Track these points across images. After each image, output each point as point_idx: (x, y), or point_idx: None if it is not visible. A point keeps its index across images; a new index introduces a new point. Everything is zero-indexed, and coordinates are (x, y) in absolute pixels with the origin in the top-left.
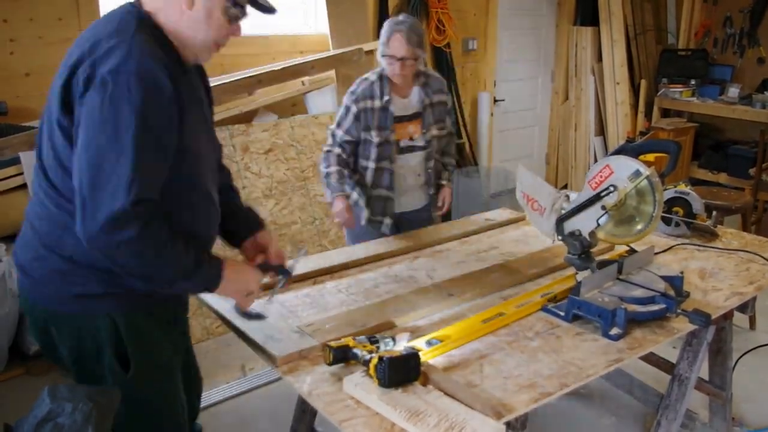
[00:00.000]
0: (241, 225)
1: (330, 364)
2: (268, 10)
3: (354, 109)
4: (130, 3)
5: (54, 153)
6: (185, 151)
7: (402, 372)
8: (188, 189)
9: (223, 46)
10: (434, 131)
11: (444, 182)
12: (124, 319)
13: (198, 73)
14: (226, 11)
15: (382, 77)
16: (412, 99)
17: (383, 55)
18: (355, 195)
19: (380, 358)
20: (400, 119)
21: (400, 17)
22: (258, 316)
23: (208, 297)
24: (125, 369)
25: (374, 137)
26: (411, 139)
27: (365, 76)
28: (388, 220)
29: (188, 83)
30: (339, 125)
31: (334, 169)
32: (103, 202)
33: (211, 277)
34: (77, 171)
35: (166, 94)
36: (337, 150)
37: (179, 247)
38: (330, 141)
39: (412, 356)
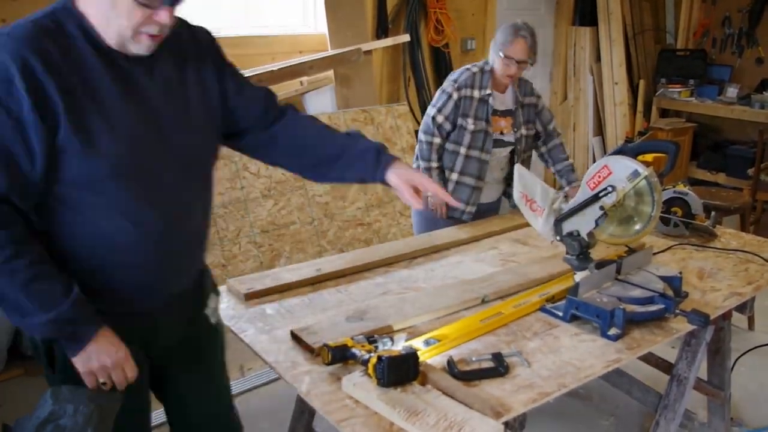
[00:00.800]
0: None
1: (328, 364)
2: None
3: (455, 96)
4: None
5: None
6: (82, 147)
7: (401, 371)
8: (92, 197)
9: (155, 33)
10: (524, 130)
11: (574, 183)
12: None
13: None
14: None
15: (484, 71)
16: (507, 97)
17: (503, 56)
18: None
19: (379, 358)
20: (494, 112)
21: (520, 23)
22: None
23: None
24: (52, 367)
25: (469, 125)
26: (501, 133)
27: (467, 66)
28: (471, 209)
29: (118, 72)
30: (440, 111)
31: (436, 165)
32: None
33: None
34: None
35: (16, 85)
36: (438, 140)
37: (20, 259)
38: (431, 128)
39: (411, 356)
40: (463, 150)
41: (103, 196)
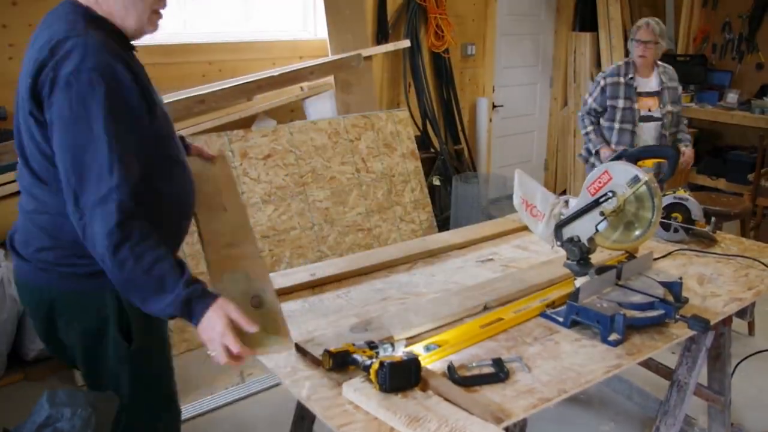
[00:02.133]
0: None
1: (329, 370)
2: None
3: (602, 83)
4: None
5: (36, 146)
6: (158, 127)
7: (403, 377)
8: (165, 160)
9: (162, 8)
10: (669, 107)
11: (684, 146)
12: None
13: None
14: None
15: (628, 63)
16: (653, 80)
17: (633, 39)
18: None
19: (381, 363)
20: (640, 94)
21: (648, 18)
22: None
23: None
24: (129, 342)
25: (620, 104)
26: (649, 110)
27: (616, 62)
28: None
29: (138, 62)
30: (590, 95)
31: (591, 128)
32: (90, 191)
33: (193, 295)
34: (62, 170)
35: (126, 84)
36: (589, 115)
37: (160, 248)
38: (584, 108)
39: (413, 361)
40: (617, 125)
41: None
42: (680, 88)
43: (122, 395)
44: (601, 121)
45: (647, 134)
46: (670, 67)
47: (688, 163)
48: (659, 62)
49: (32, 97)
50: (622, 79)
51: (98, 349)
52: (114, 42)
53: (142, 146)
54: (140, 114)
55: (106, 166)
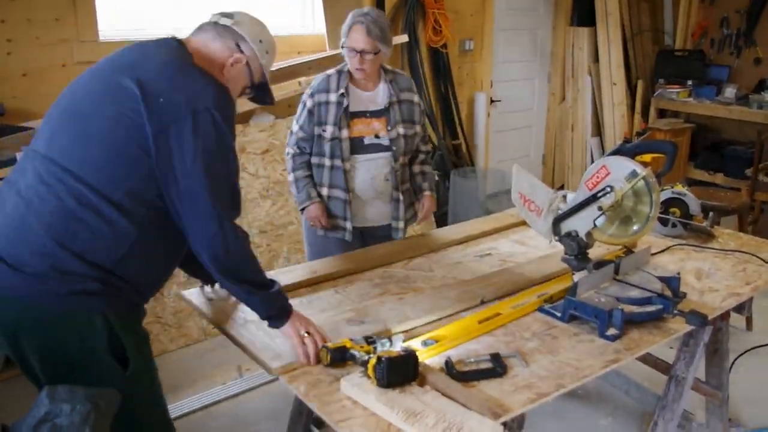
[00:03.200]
0: None
1: (327, 365)
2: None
3: (309, 103)
4: (179, 41)
5: (114, 156)
6: None
7: (401, 372)
8: None
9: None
10: (400, 129)
11: (427, 192)
12: (118, 317)
13: None
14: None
15: (341, 72)
16: (379, 95)
17: (343, 47)
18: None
19: (379, 359)
20: (363, 114)
21: (365, 9)
22: None
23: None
24: (124, 367)
25: (328, 131)
26: (377, 136)
27: (327, 71)
28: (349, 225)
29: None
30: (297, 122)
31: (302, 174)
32: (226, 212)
33: (280, 301)
34: (193, 196)
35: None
36: (297, 150)
37: (257, 263)
38: (290, 142)
39: (411, 356)
40: (327, 162)
41: None
42: (422, 103)
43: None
44: (312, 157)
45: (369, 171)
46: (404, 74)
47: (426, 215)
48: (388, 68)
49: (135, 117)
50: (332, 97)
51: (77, 379)
52: None
53: None
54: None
55: (238, 196)
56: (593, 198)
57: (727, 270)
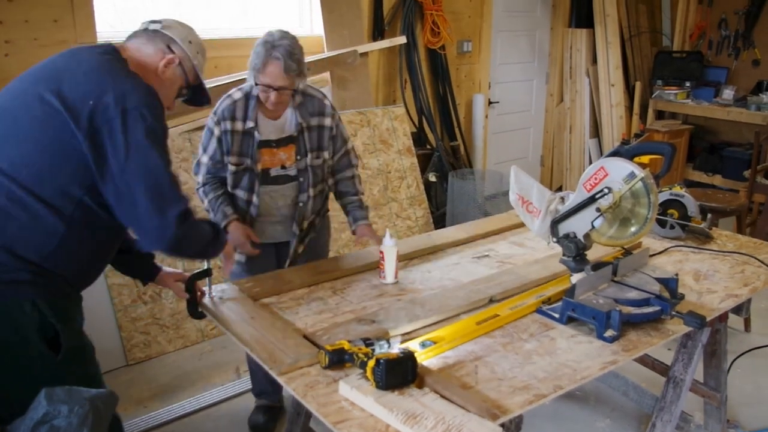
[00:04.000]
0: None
1: (325, 367)
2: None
3: (216, 131)
4: (114, 48)
5: (44, 153)
6: None
7: (399, 374)
8: None
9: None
10: (308, 159)
11: (362, 221)
12: (48, 304)
13: None
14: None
15: (249, 96)
16: (286, 122)
17: (256, 83)
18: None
19: (377, 360)
20: (268, 144)
21: (276, 36)
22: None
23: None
24: (55, 352)
25: (230, 164)
26: (283, 167)
27: (230, 92)
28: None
29: None
30: (205, 151)
31: (213, 195)
32: (170, 206)
33: (223, 237)
34: (130, 191)
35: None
36: (207, 180)
37: (204, 225)
38: (199, 172)
39: (409, 358)
40: (229, 189)
41: None
42: (338, 126)
43: None
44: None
45: (282, 200)
46: (318, 95)
47: (378, 239)
48: (299, 88)
49: (77, 122)
50: (238, 126)
51: (18, 363)
52: None
53: None
54: None
55: (178, 188)
56: (591, 199)
57: (725, 271)
